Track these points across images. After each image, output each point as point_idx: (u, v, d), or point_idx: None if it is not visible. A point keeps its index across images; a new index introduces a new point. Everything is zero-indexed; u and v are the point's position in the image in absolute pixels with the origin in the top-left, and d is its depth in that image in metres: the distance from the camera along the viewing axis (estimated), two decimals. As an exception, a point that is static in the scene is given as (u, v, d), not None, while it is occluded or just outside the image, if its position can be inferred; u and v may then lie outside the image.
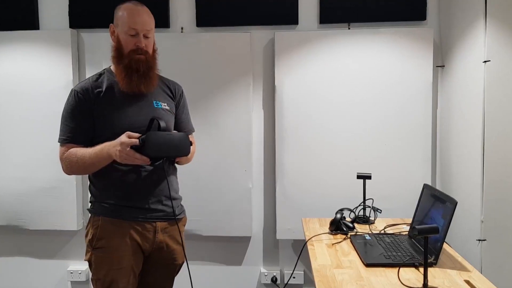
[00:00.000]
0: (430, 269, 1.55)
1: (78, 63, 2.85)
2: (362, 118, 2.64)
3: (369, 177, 2.29)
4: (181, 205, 1.88)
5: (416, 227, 1.45)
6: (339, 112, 2.66)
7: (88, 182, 1.79)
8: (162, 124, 1.61)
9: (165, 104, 1.81)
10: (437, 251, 1.65)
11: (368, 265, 1.65)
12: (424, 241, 1.44)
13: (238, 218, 2.76)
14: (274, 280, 2.84)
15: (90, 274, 1.74)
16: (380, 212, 2.24)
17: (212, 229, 2.78)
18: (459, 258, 1.74)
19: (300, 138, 2.68)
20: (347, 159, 2.65)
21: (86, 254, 1.74)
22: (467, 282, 1.52)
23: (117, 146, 1.57)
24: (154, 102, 1.78)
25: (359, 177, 2.30)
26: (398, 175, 2.63)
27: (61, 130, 1.71)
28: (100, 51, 2.71)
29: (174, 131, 1.80)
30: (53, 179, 2.76)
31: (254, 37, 2.76)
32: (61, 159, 1.71)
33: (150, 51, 1.74)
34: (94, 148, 1.64)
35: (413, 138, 2.62)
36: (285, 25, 2.73)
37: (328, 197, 2.63)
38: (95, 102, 1.69)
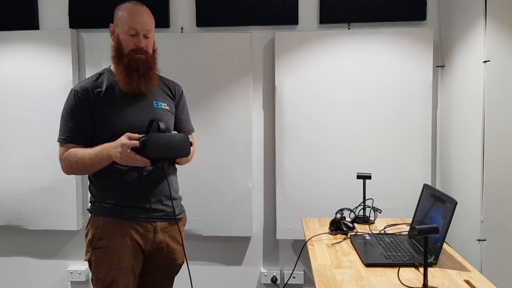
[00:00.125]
0: (430, 269, 1.55)
1: (78, 63, 2.85)
2: (362, 118, 2.64)
3: (369, 177, 2.28)
4: (181, 205, 1.88)
5: (416, 227, 1.45)
6: (339, 112, 2.66)
7: (88, 182, 1.79)
8: (162, 125, 1.61)
9: (165, 104, 1.81)
10: (437, 251, 1.65)
11: (368, 265, 1.65)
12: (424, 241, 1.44)
13: (238, 218, 2.76)
14: (274, 280, 2.84)
15: (90, 274, 1.74)
16: (380, 212, 2.24)
17: (212, 229, 2.78)
18: (459, 258, 1.74)
19: (300, 138, 2.68)
20: (347, 159, 2.65)
21: (86, 254, 1.74)
22: (467, 282, 1.52)
23: (118, 148, 1.57)
24: (154, 102, 1.78)
25: (359, 177, 2.30)
26: (398, 175, 2.63)
27: (60, 130, 1.71)
28: (100, 51, 2.71)
29: (174, 132, 1.80)
30: (53, 179, 2.76)
31: (254, 37, 2.76)
32: (61, 159, 1.71)
33: (150, 51, 1.74)
34: (94, 149, 1.64)
35: (413, 138, 2.62)
36: (285, 25, 2.73)
37: (328, 197, 2.63)
38: (95, 102, 1.69)
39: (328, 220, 2.14)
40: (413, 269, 1.61)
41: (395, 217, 2.31)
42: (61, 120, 1.72)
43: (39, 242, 2.96)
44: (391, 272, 1.58)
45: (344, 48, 2.64)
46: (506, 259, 2.09)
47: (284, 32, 2.69)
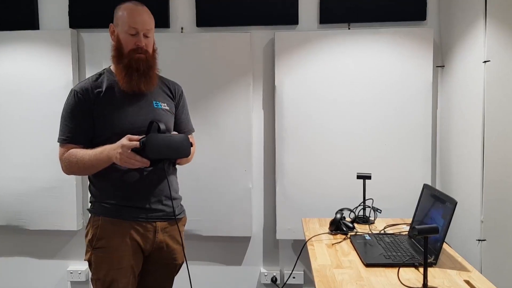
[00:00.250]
0: (430, 269, 1.55)
1: (78, 63, 2.85)
2: (362, 118, 2.64)
3: (369, 177, 2.28)
4: (181, 205, 1.88)
5: (416, 227, 1.45)
6: (339, 112, 2.66)
7: (88, 182, 1.79)
8: (162, 126, 1.62)
9: (165, 105, 1.81)
10: (437, 251, 1.65)
11: (368, 265, 1.65)
12: (424, 241, 1.44)
13: (238, 218, 2.76)
14: (274, 280, 2.84)
15: (90, 274, 1.74)
16: (380, 212, 2.24)
17: (212, 229, 2.78)
18: (459, 258, 1.74)
19: (300, 138, 2.68)
20: (347, 159, 2.65)
21: (86, 254, 1.74)
22: (467, 282, 1.52)
23: (118, 149, 1.57)
24: (154, 102, 1.78)
25: (359, 177, 2.30)
26: (398, 175, 2.63)
27: (60, 130, 1.71)
28: (100, 51, 2.71)
29: (174, 132, 1.80)
30: (53, 179, 2.76)
31: (254, 37, 2.76)
32: (61, 159, 1.71)
33: (150, 50, 1.74)
34: (95, 150, 1.64)
35: (413, 138, 2.62)
36: (285, 25, 2.73)
37: (328, 197, 2.63)
38: (95, 102, 1.69)
39: (328, 220, 2.14)
40: (413, 269, 1.61)
41: (395, 217, 2.31)
42: (61, 120, 1.72)
43: (39, 242, 2.96)
44: (391, 272, 1.58)
45: (344, 48, 2.64)
46: (506, 259, 2.09)
47: (284, 32, 2.68)
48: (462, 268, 1.64)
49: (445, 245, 1.79)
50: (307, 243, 1.94)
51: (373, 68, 2.62)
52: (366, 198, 2.27)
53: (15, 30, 2.80)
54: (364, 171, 2.40)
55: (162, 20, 2.75)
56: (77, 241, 2.91)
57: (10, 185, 2.82)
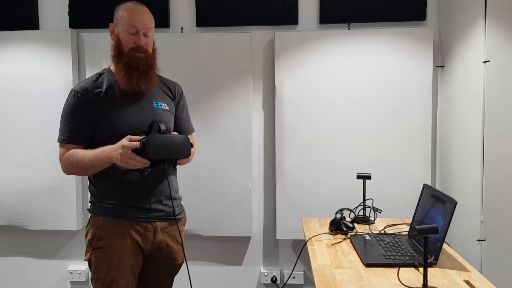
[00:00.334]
0: (430, 269, 1.55)
1: (78, 63, 2.85)
2: (362, 118, 2.64)
3: (369, 177, 2.28)
4: (181, 205, 1.88)
5: (416, 227, 1.45)
6: (339, 112, 2.66)
7: (88, 182, 1.79)
8: (163, 127, 1.62)
9: (165, 105, 1.81)
10: (437, 251, 1.65)
11: (368, 265, 1.65)
12: (424, 241, 1.44)
13: (238, 218, 2.76)
14: (274, 280, 2.84)
15: (90, 274, 1.74)
16: (380, 212, 2.24)
17: (212, 229, 2.78)
18: (459, 258, 1.74)
19: (300, 138, 2.68)
20: (347, 159, 2.65)
21: (86, 254, 1.74)
22: (467, 282, 1.52)
23: (118, 150, 1.56)
24: (154, 102, 1.78)
25: (359, 177, 2.30)
26: (398, 175, 2.63)
27: (60, 130, 1.71)
28: (100, 51, 2.71)
29: (175, 133, 1.80)
30: (53, 179, 2.76)
31: (254, 37, 2.76)
32: (61, 160, 1.70)
33: (150, 50, 1.74)
34: (95, 150, 1.64)
35: (413, 138, 2.62)
36: (285, 25, 2.73)
37: (328, 197, 2.63)
38: (95, 102, 1.69)
39: (328, 220, 2.14)
40: (413, 269, 1.61)
41: (395, 217, 2.31)
42: (61, 120, 1.72)
43: (39, 242, 2.96)
44: (391, 272, 1.58)
45: (344, 48, 2.64)
46: (506, 259, 2.09)
47: (284, 32, 2.68)
48: (462, 268, 1.64)
49: (445, 245, 1.79)
50: (307, 243, 1.94)
51: (373, 68, 2.62)
52: (366, 198, 2.27)
53: (15, 30, 2.80)
54: (364, 171, 2.40)
55: (162, 20, 2.75)
56: (77, 241, 2.91)
57: (10, 185, 2.82)
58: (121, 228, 1.69)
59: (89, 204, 1.78)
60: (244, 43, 2.70)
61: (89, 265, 1.73)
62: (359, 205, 2.26)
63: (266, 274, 2.85)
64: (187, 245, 1.85)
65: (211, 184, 2.75)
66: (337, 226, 2.05)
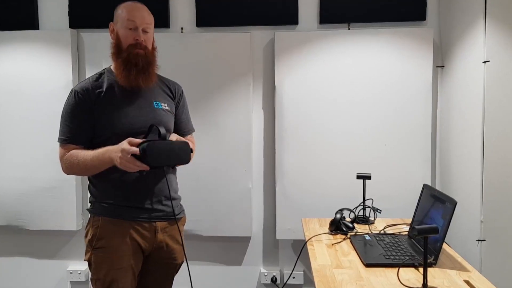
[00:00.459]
0: (429, 269, 1.55)
1: (78, 63, 2.85)
2: (362, 118, 2.64)
3: (369, 177, 2.29)
4: (181, 205, 1.88)
5: (416, 227, 1.45)
6: (339, 112, 2.66)
7: (88, 182, 1.79)
8: (162, 130, 1.61)
9: (165, 105, 1.81)
10: (437, 251, 1.65)
11: (367, 265, 1.65)
12: (424, 241, 1.44)
13: (238, 218, 2.76)
14: (274, 280, 2.84)
15: (90, 274, 1.74)
16: (380, 212, 2.24)
17: (212, 229, 2.78)
18: (459, 258, 1.74)
19: (300, 138, 2.68)
20: (347, 159, 2.65)
21: (86, 254, 1.74)
22: (467, 282, 1.52)
23: (118, 153, 1.56)
24: (154, 102, 1.78)
25: (359, 177, 2.30)
26: (398, 175, 2.63)
27: (60, 131, 1.71)
28: (100, 51, 2.71)
29: (174, 135, 1.80)
30: (53, 179, 2.76)
31: (254, 37, 2.76)
32: (61, 160, 1.70)
33: (149, 47, 1.74)
34: (96, 151, 1.64)
35: (413, 138, 2.62)
36: (285, 25, 2.73)
37: (328, 197, 2.63)
38: (96, 103, 1.69)
39: (328, 220, 2.14)
40: (412, 269, 1.61)
41: (395, 217, 2.31)
42: (61, 120, 1.72)
43: (39, 242, 2.96)
44: (391, 272, 1.58)
45: (344, 48, 2.64)
46: (506, 259, 2.09)
47: (284, 32, 2.69)
48: (462, 268, 1.64)
49: (445, 245, 1.79)
50: (307, 243, 1.94)
51: (373, 68, 2.63)
52: (366, 198, 2.27)
53: (15, 30, 2.80)
54: (364, 171, 2.40)
55: (162, 20, 2.75)
56: (77, 241, 2.91)
57: (10, 185, 2.82)
58: (121, 228, 1.69)
59: (89, 204, 1.78)
60: (244, 43, 2.70)
61: (89, 265, 1.73)
62: (359, 205, 2.26)
63: (266, 274, 2.85)
64: (187, 245, 1.85)
65: (211, 184, 2.75)
66: (337, 226, 2.05)
